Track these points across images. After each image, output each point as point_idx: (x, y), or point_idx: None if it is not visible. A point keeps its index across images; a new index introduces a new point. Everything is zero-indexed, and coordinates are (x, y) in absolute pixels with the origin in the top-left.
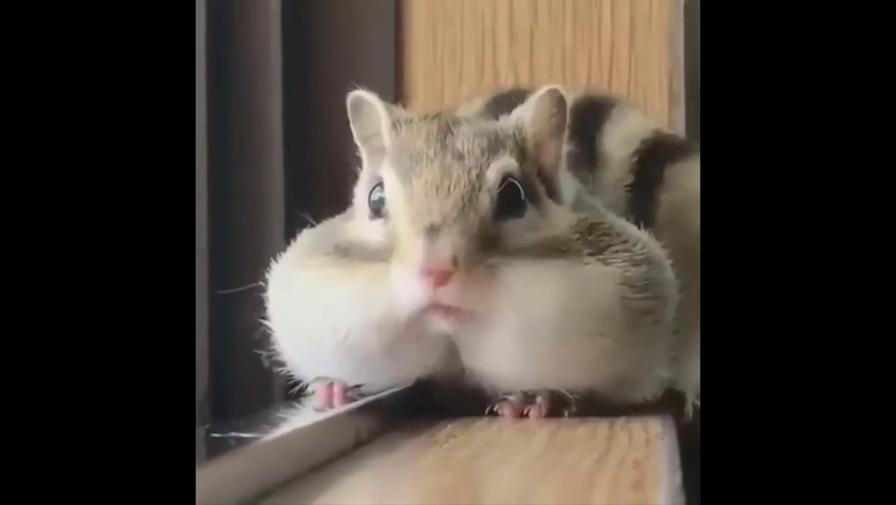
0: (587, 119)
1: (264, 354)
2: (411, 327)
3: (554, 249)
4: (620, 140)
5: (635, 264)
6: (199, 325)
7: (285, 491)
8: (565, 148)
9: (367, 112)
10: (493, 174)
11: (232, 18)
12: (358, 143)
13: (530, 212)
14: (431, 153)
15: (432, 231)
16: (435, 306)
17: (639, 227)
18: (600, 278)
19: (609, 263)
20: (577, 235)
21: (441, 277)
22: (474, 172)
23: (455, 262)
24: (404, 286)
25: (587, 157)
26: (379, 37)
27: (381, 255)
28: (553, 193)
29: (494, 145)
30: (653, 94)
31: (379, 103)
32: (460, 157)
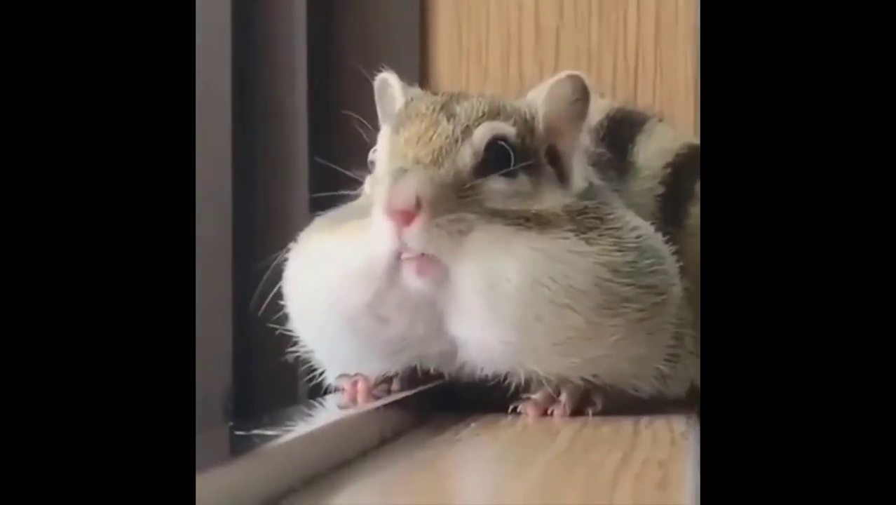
0: (621, 129)
1: (289, 352)
2: (390, 282)
3: (532, 219)
4: (654, 152)
5: (621, 250)
6: (224, 321)
7: (309, 489)
8: (588, 142)
9: (389, 93)
10: (481, 131)
11: (256, 16)
12: (382, 125)
13: (522, 181)
14: (426, 112)
15: (400, 172)
16: (407, 257)
17: (666, 235)
18: (577, 254)
19: (591, 244)
20: (565, 214)
21: (403, 216)
22: (460, 128)
23: (418, 202)
24: (375, 229)
25: (618, 163)
26: (404, 34)
27: (366, 210)
28: (564, 179)
29: (495, 113)
30: (678, 93)
31: (397, 82)
32: (453, 116)
